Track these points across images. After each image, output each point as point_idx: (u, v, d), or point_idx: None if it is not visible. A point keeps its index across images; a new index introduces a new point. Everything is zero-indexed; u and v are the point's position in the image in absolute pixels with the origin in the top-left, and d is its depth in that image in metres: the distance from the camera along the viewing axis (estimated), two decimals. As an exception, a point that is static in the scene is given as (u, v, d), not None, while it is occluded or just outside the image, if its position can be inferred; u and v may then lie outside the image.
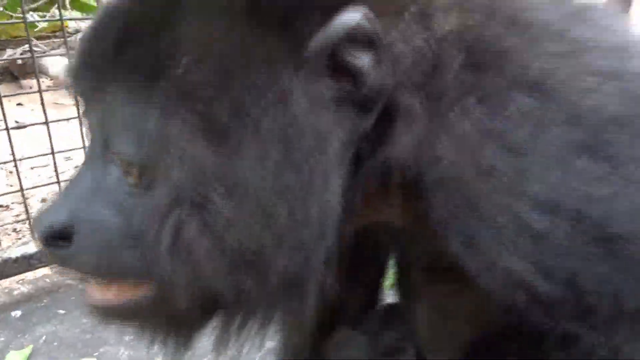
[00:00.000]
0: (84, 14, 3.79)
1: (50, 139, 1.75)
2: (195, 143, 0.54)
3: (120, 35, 0.58)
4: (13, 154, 1.68)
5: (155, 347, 0.68)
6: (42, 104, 1.69)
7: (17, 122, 3.47)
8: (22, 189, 1.71)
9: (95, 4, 3.91)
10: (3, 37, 4.36)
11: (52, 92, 4.26)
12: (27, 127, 1.80)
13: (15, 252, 1.69)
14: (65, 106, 1.85)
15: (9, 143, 1.67)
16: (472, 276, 0.60)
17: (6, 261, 1.65)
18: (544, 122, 0.56)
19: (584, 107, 0.57)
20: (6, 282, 1.94)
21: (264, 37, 0.56)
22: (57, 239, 0.60)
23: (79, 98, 0.64)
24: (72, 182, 0.64)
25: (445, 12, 0.63)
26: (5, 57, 4.26)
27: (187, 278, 0.58)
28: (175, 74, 0.54)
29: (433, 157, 0.59)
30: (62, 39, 3.11)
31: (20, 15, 3.80)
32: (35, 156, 1.84)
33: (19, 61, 3.97)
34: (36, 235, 0.61)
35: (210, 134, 0.54)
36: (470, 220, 0.58)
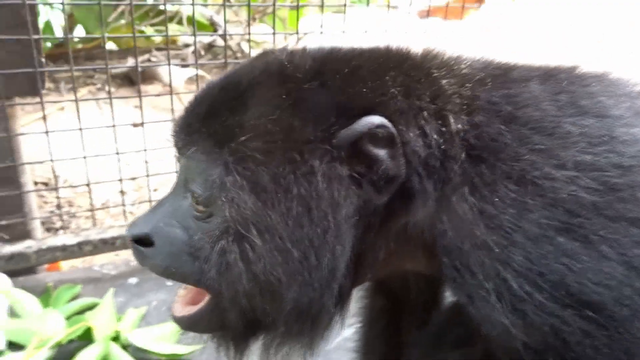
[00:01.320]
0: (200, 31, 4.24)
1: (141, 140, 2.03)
2: (242, 194, 0.74)
3: (205, 112, 0.82)
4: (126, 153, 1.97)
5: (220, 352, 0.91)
6: (141, 104, 1.95)
7: (134, 123, 3.94)
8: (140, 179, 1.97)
9: (207, 23, 4.32)
10: (124, 47, 4.95)
11: (163, 97, 4.76)
12: (143, 126, 2.12)
13: (137, 228, 1.99)
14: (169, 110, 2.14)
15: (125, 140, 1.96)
16: (477, 324, 0.74)
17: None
18: (526, 208, 0.69)
19: (563, 196, 0.68)
20: (125, 254, 2.28)
21: (303, 127, 0.75)
22: (140, 244, 0.84)
23: (175, 148, 0.88)
24: (159, 204, 0.89)
25: (456, 113, 0.79)
26: (127, 65, 4.81)
27: (229, 290, 0.78)
28: (237, 145, 0.76)
29: (441, 230, 0.76)
30: (176, 51, 3.47)
31: (141, 28, 4.30)
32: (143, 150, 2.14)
33: (139, 69, 4.49)
34: (126, 236, 0.87)
35: (254, 189, 0.74)
36: (469, 281, 0.72)
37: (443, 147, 0.77)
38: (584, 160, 0.70)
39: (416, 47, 0.90)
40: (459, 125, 0.77)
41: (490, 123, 0.76)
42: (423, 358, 1.07)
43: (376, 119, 0.74)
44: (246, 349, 0.90)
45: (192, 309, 0.87)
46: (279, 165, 0.74)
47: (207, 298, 0.85)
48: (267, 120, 0.75)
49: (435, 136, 0.77)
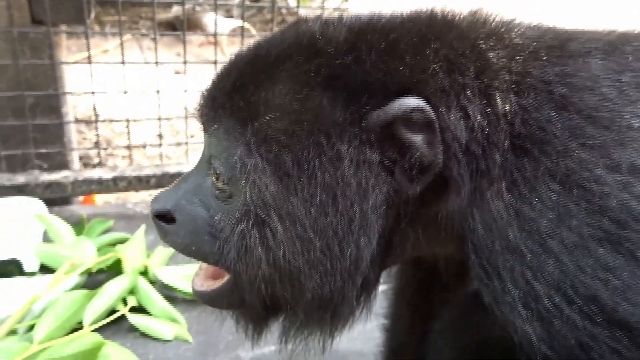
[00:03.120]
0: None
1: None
2: (264, 177, 0.69)
3: (231, 86, 0.75)
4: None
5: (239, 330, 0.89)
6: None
7: (176, 71, 3.93)
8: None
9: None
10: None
11: (206, 46, 4.73)
12: (184, 74, 2.11)
13: (173, 169, 1.99)
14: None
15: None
16: (500, 324, 0.69)
17: (164, 174, 1.96)
18: (568, 213, 0.62)
19: (610, 203, 0.61)
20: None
21: (332, 107, 0.68)
22: (162, 219, 0.81)
23: (199, 123, 0.83)
24: (183, 178, 0.85)
25: (504, 92, 0.69)
26: (172, 13, 4.78)
27: (248, 273, 0.74)
28: (260, 124, 0.70)
29: (472, 226, 0.69)
30: (223, 1, 3.41)
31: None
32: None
33: (181, 17, 4.46)
34: (150, 211, 0.83)
35: (276, 173, 0.69)
36: (496, 284, 0.67)
37: (487, 131, 0.68)
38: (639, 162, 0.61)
39: (464, 11, 0.80)
40: (506, 107, 0.68)
41: (541, 107, 0.67)
42: (445, 335, 1.02)
43: (412, 101, 0.66)
44: (264, 328, 0.87)
45: (212, 285, 0.84)
46: (304, 148, 0.68)
47: (227, 276, 0.82)
48: (294, 99, 0.69)
49: (479, 118, 0.68)
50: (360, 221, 0.69)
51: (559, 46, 0.74)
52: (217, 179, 0.76)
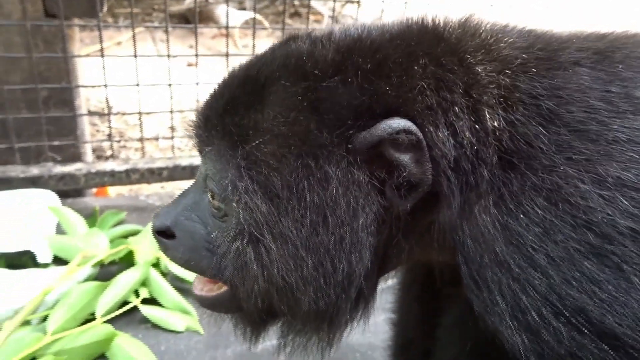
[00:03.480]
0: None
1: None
2: (254, 199, 0.71)
3: (222, 107, 0.77)
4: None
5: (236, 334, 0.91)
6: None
7: (189, 62, 3.93)
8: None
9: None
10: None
11: (218, 39, 4.73)
12: (197, 66, 2.11)
13: (184, 161, 2.00)
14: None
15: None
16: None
17: (176, 167, 1.97)
18: (553, 228, 0.62)
19: (596, 218, 0.61)
20: (171, 187, 2.30)
21: (319, 130, 0.69)
22: (163, 235, 0.84)
23: (193, 144, 0.84)
24: (182, 194, 0.87)
25: (492, 107, 0.69)
26: (185, 5, 4.79)
27: (245, 287, 0.77)
28: (250, 147, 0.71)
29: (461, 239, 0.69)
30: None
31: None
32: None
33: (194, 9, 4.46)
34: (151, 227, 0.86)
35: (267, 195, 0.70)
36: (485, 296, 0.68)
37: (475, 147, 0.68)
38: (627, 178, 0.61)
39: (454, 20, 0.79)
40: (495, 123, 0.68)
41: (528, 122, 0.67)
42: (452, 330, 1.02)
43: (398, 123, 0.66)
44: (262, 332, 0.90)
45: (211, 291, 0.88)
46: (293, 171, 0.69)
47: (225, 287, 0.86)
48: (282, 123, 0.70)
49: (467, 134, 0.68)
50: (351, 239, 0.70)
51: (547, 57, 0.73)
52: (212, 197, 0.78)
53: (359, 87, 0.70)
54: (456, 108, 0.69)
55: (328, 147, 0.69)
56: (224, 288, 0.84)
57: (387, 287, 1.28)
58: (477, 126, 0.69)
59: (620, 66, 0.69)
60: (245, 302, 0.79)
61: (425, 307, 1.15)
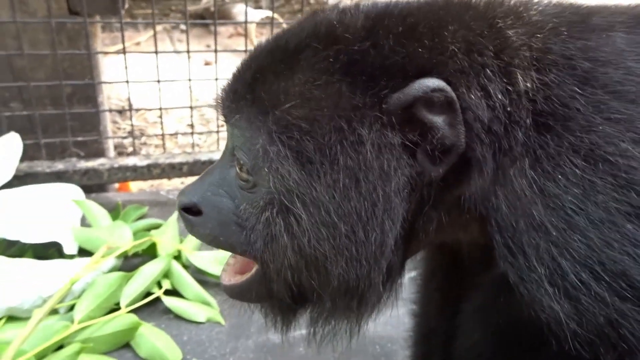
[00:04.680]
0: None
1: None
2: (286, 165, 0.69)
3: (251, 78, 0.76)
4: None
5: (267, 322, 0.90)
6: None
7: (206, 60, 3.97)
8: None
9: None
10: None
11: (235, 37, 4.77)
12: (215, 63, 2.14)
13: (204, 156, 2.03)
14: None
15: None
16: (527, 304, 0.68)
17: (196, 162, 2.00)
18: (593, 188, 0.61)
19: (638, 177, 0.59)
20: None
21: (351, 92, 0.68)
22: (189, 212, 0.82)
23: (221, 114, 0.83)
24: (208, 171, 0.85)
25: (524, 69, 0.68)
26: (202, 5, 4.83)
27: (275, 262, 0.75)
28: (281, 112, 0.70)
29: (495, 205, 0.68)
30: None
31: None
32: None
33: (212, 8, 4.50)
34: (177, 205, 0.84)
35: (298, 160, 0.69)
36: (522, 263, 0.66)
37: (508, 109, 0.67)
38: None
39: None
40: (528, 84, 0.67)
41: (563, 83, 0.66)
42: (474, 317, 1.01)
43: (432, 82, 0.65)
44: (293, 320, 0.88)
45: (240, 278, 0.86)
46: (325, 134, 0.68)
47: (254, 268, 0.83)
48: (313, 86, 0.69)
49: (499, 97, 0.67)
50: (383, 204, 0.69)
51: (580, 21, 0.72)
52: (240, 169, 0.77)
53: (391, 50, 0.69)
54: (488, 70, 0.68)
55: (361, 109, 0.68)
56: (252, 271, 0.84)
57: (409, 278, 1.28)
58: (509, 88, 0.68)
59: None
60: (275, 280, 0.78)
61: (447, 297, 1.14)
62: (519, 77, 0.68)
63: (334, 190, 0.69)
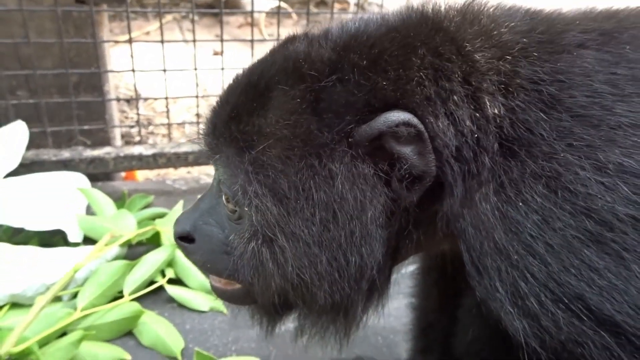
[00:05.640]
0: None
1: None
2: (265, 202, 0.72)
3: (227, 115, 0.77)
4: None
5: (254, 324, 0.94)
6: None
7: (215, 50, 3.96)
8: None
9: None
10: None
11: (244, 27, 4.74)
12: (222, 54, 2.12)
13: (209, 146, 2.01)
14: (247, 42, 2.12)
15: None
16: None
17: (202, 152, 1.98)
18: (552, 215, 0.62)
19: (595, 205, 0.60)
20: (196, 172, 2.33)
21: (319, 129, 0.70)
22: (184, 240, 0.87)
23: (205, 150, 0.86)
24: (200, 199, 0.89)
25: (492, 94, 0.68)
26: (211, -6, 4.79)
27: (260, 285, 0.79)
28: (256, 152, 0.72)
29: (463, 226, 0.69)
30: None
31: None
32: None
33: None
34: (173, 234, 0.88)
35: (276, 197, 0.72)
36: (486, 282, 0.68)
37: (476, 135, 0.68)
38: (629, 165, 0.60)
39: (456, 6, 0.77)
40: (495, 110, 0.68)
41: (529, 108, 0.66)
42: (473, 311, 1.01)
43: (397, 115, 0.66)
44: (278, 322, 0.92)
45: (228, 284, 0.89)
46: (298, 172, 0.70)
47: (238, 286, 0.88)
48: (284, 126, 0.71)
49: (467, 123, 0.68)
50: (361, 232, 0.71)
51: (549, 41, 0.71)
52: (227, 201, 0.80)
53: (356, 84, 0.70)
54: (455, 97, 0.68)
55: (330, 145, 0.70)
56: (237, 286, 0.87)
57: (408, 272, 1.28)
58: (477, 114, 0.68)
59: (628, 47, 0.67)
60: (261, 297, 0.82)
61: (445, 291, 1.15)
62: (487, 102, 0.68)
63: (312, 223, 0.71)
